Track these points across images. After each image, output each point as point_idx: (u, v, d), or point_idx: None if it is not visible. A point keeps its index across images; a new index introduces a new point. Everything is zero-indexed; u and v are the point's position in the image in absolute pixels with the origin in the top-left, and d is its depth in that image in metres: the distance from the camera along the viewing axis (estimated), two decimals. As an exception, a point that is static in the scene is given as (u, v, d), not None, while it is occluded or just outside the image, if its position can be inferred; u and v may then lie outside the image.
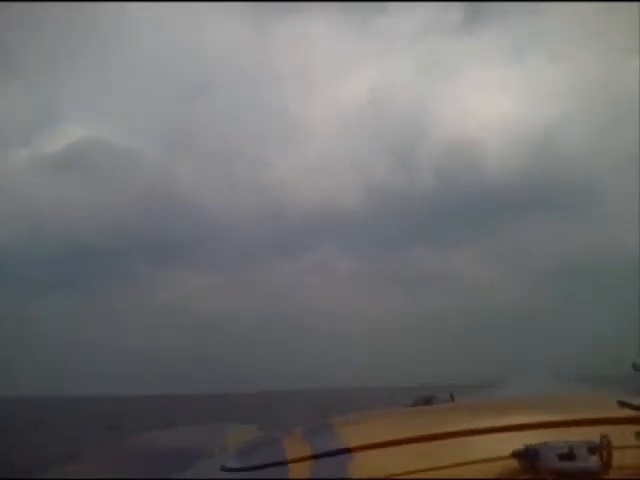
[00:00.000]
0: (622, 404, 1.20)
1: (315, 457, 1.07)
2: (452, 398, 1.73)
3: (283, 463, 1.07)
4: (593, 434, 0.94)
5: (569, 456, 0.91)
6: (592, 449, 0.91)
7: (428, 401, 1.67)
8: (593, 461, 0.90)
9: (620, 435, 0.98)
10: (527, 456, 0.93)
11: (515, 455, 0.94)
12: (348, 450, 1.07)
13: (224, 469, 1.14)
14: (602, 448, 0.90)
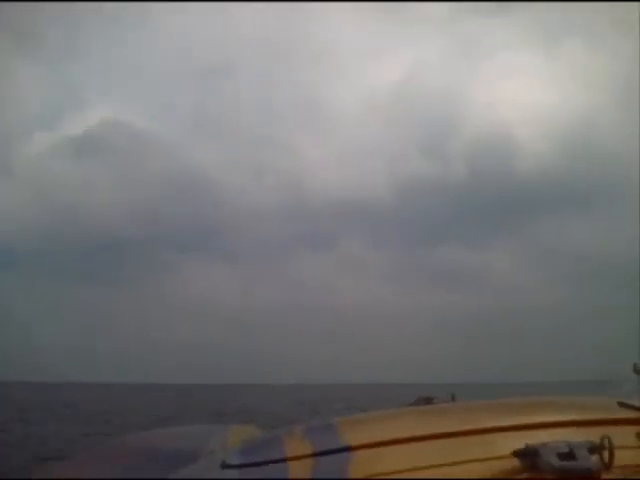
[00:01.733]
0: (622, 405, 1.20)
1: (315, 455, 1.07)
2: (453, 398, 1.72)
3: (283, 461, 1.07)
4: (594, 435, 0.93)
5: (569, 456, 0.90)
6: (592, 449, 0.91)
7: (429, 401, 1.67)
8: (593, 461, 0.89)
9: (620, 436, 0.98)
10: (528, 455, 0.93)
11: (516, 454, 0.94)
12: (348, 449, 1.06)
13: (225, 466, 1.14)
14: (602, 448, 0.90)
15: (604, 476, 0.88)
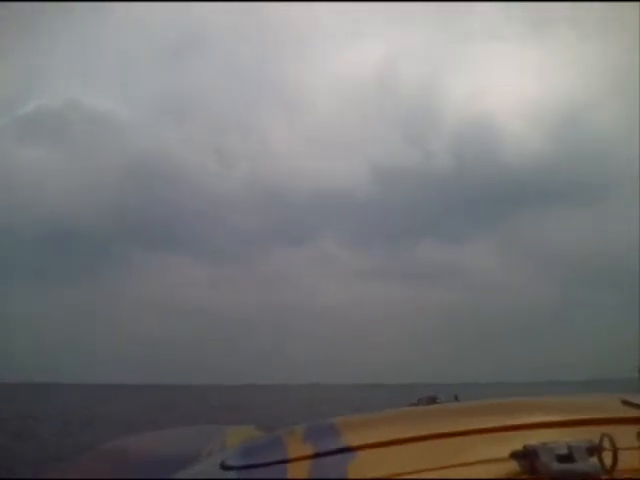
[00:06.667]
0: (626, 403, 1.19)
1: (316, 456, 1.06)
2: (456, 398, 1.73)
3: (283, 462, 1.06)
4: (595, 435, 0.92)
5: (568, 457, 0.89)
6: (591, 450, 0.90)
7: (431, 401, 1.67)
8: (592, 462, 0.89)
9: (623, 436, 0.96)
10: (526, 457, 0.92)
11: (514, 456, 0.93)
12: (349, 449, 1.06)
13: (224, 467, 1.13)
14: (602, 449, 0.89)
15: (603, 478, 0.87)
